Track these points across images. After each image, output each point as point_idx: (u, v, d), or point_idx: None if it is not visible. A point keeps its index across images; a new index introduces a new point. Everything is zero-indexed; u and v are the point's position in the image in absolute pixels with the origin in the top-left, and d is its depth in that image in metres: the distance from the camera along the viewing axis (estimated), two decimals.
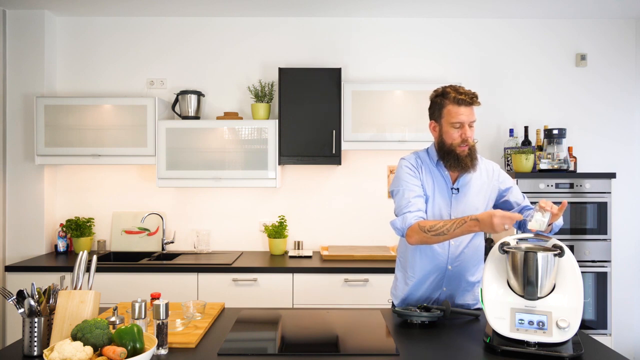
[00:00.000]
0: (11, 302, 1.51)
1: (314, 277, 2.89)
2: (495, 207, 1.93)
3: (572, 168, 3.10)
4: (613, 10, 3.33)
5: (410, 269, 1.92)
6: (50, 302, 1.53)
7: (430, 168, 1.88)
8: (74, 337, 1.33)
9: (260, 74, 3.48)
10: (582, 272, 1.61)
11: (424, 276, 1.90)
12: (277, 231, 3.27)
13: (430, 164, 1.88)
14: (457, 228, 1.67)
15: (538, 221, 1.59)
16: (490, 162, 1.97)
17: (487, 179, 1.90)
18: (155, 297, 1.78)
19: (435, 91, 1.87)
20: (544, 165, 3.00)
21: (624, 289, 3.42)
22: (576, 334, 1.49)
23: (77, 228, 3.31)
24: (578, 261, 1.57)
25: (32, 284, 1.53)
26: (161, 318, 1.44)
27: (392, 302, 2.05)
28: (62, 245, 3.31)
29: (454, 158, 1.80)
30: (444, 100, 1.80)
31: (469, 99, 1.76)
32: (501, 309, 1.51)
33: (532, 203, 1.79)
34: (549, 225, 1.62)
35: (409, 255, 1.93)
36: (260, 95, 3.32)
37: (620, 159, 3.47)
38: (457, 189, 1.86)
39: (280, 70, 3.16)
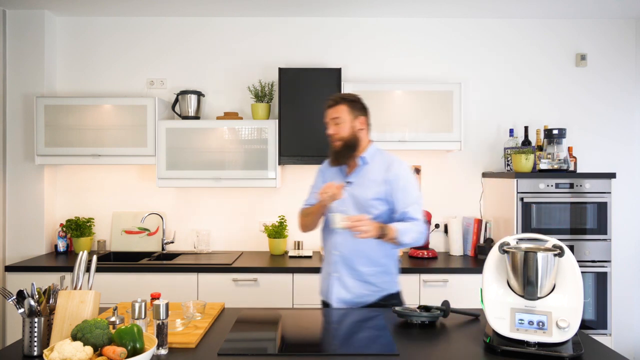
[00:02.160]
0: (11, 302, 1.51)
1: (314, 277, 2.88)
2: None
3: (572, 168, 3.10)
4: (613, 10, 3.33)
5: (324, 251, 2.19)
6: (50, 302, 1.53)
7: (330, 167, 2.16)
8: (74, 337, 1.33)
9: (260, 74, 3.48)
10: (582, 272, 1.61)
11: (326, 258, 2.15)
12: (277, 231, 3.27)
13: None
14: (314, 206, 2.07)
15: (335, 218, 1.84)
16: (399, 164, 2.06)
17: (383, 175, 2.03)
18: (155, 297, 1.78)
19: None
20: (544, 165, 3.00)
21: (624, 289, 3.42)
22: (576, 334, 1.49)
23: (77, 228, 3.31)
24: (578, 261, 1.57)
25: (32, 284, 1.53)
26: (161, 318, 1.44)
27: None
28: (62, 245, 3.31)
29: (330, 153, 2.12)
30: None
31: (329, 102, 2.10)
32: (501, 309, 1.51)
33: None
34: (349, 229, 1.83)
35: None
36: (260, 95, 3.32)
37: (620, 159, 3.47)
38: (349, 182, 2.07)
39: (280, 70, 3.16)
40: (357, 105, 2.11)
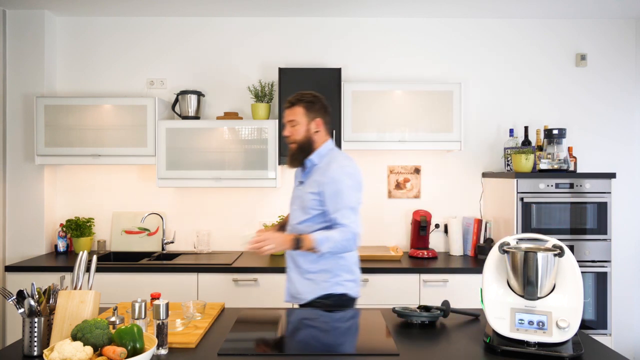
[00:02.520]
0: (11, 302, 1.51)
1: None
2: None
3: (572, 168, 3.10)
4: (613, 10, 3.33)
5: None
6: (50, 302, 1.53)
7: None
8: (74, 337, 1.33)
9: (260, 74, 3.48)
10: (582, 272, 1.61)
11: None
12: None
13: None
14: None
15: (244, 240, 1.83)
16: (335, 164, 2.01)
17: (320, 178, 2.01)
18: (155, 297, 1.78)
19: None
20: (544, 165, 3.00)
21: (624, 289, 3.42)
22: (576, 334, 1.49)
23: (77, 228, 3.31)
24: (578, 261, 1.57)
25: (32, 284, 1.53)
26: (161, 318, 1.44)
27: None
28: (62, 245, 3.31)
29: (288, 153, 2.14)
30: None
31: (286, 103, 2.09)
32: (501, 309, 1.51)
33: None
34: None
35: None
36: (260, 95, 3.32)
37: (620, 159, 3.47)
38: (301, 182, 2.13)
39: (280, 70, 3.16)
40: (314, 106, 2.07)
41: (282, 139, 3.14)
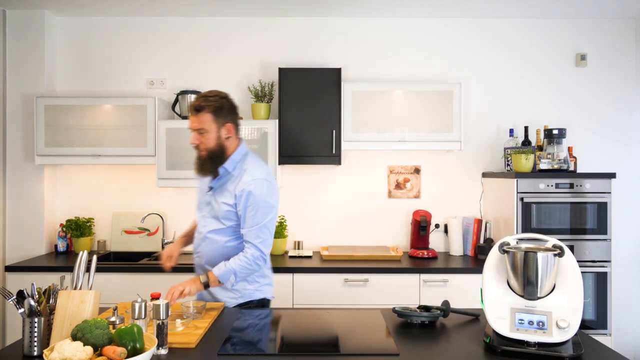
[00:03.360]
0: (11, 302, 1.51)
1: (314, 277, 2.89)
2: None
3: (572, 168, 3.10)
4: (613, 10, 3.33)
5: None
6: (50, 302, 1.53)
7: None
8: (74, 337, 1.33)
9: (260, 74, 3.48)
10: (582, 272, 1.61)
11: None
12: (277, 231, 3.27)
13: None
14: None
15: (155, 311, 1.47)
16: (252, 181, 1.93)
17: (234, 190, 1.95)
18: (155, 297, 1.78)
19: None
20: (544, 165, 3.00)
21: (624, 289, 3.42)
22: (576, 334, 1.49)
23: (77, 228, 3.31)
24: (578, 261, 1.57)
25: (32, 284, 1.53)
26: (161, 318, 1.44)
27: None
28: (62, 245, 3.31)
29: (195, 159, 2.01)
30: None
31: (192, 107, 1.92)
32: (501, 309, 1.51)
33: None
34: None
35: None
36: (260, 95, 3.32)
37: (620, 159, 3.47)
38: (211, 187, 2.05)
39: (280, 70, 3.16)
40: (223, 111, 1.94)
41: (282, 139, 3.14)
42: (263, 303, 2.10)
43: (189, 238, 2.24)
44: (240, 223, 1.97)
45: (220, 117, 1.95)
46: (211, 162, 1.97)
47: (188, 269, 2.88)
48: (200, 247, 2.09)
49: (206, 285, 1.93)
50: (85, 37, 3.49)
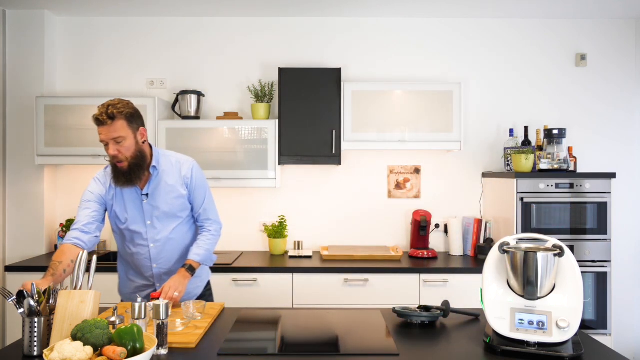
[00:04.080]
0: (11, 302, 1.51)
1: (314, 277, 2.89)
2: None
3: (572, 168, 3.10)
4: (613, 10, 3.33)
5: (127, 264, 2.13)
6: (50, 302, 1.53)
7: None
8: (74, 337, 1.33)
9: (260, 74, 3.48)
10: (582, 272, 1.61)
11: (134, 274, 2.11)
12: (277, 231, 3.27)
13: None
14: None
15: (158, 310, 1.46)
16: (188, 163, 2.06)
17: (179, 179, 2.02)
18: (155, 297, 1.78)
19: None
20: (544, 165, 3.00)
21: (624, 289, 3.42)
22: (576, 334, 1.49)
23: None
24: (578, 261, 1.57)
25: (32, 284, 1.53)
26: (161, 318, 1.44)
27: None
28: None
29: (114, 172, 1.91)
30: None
31: (101, 118, 1.81)
32: (501, 309, 1.51)
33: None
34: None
35: (123, 252, 2.13)
36: (260, 95, 3.32)
37: (620, 159, 3.47)
38: (147, 194, 1.97)
39: (280, 70, 3.16)
40: (135, 115, 1.91)
41: (282, 138, 3.14)
42: (203, 297, 2.20)
43: (59, 276, 1.76)
44: (194, 206, 2.07)
45: (134, 122, 1.91)
46: (137, 169, 1.91)
47: None
48: (161, 255, 2.03)
49: (192, 275, 1.98)
50: (85, 37, 3.50)
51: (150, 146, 2.04)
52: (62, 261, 1.78)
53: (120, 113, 1.84)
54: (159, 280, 2.08)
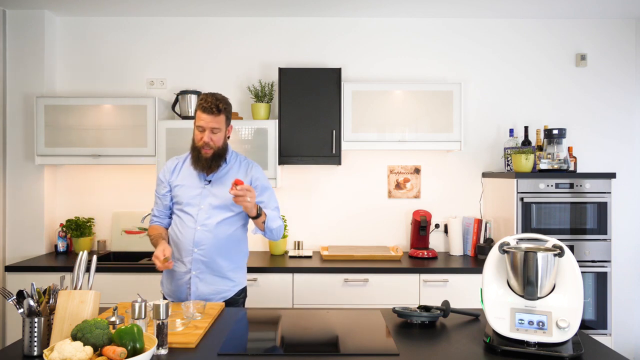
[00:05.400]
0: (11, 302, 1.51)
1: (314, 277, 2.89)
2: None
3: (572, 168, 3.10)
4: (613, 10, 3.33)
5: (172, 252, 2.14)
6: (50, 302, 1.53)
7: (187, 165, 2.15)
8: (74, 337, 1.33)
9: (260, 74, 3.48)
10: (582, 272, 1.61)
11: (175, 262, 2.11)
12: None
13: (187, 161, 2.16)
14: (154, 243, 2.07)
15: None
16: (255, 166, 2.24)
17: (244, 177, 2.16)
18: (237, 183, 1.89)
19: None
20: (544, 165, 3.00)
21: (624, 289, 3.42)
22: (576, 334, 1.49)
23: (77, 228, 3.31)
24: (578, 261, 1.57)
25: (32, 284, 1.53)
26: (161, 318, 1.44)
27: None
28: (62, 245, 3.31)
29: (195, 157, 2.09)
30: (197, 105, 2.06)
31: (210, 108, 2.01)
32: (501, 309, 1.51)
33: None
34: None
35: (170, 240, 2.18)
36: (260, 95, 3.32)
37: (620, 159, 3.47)
38: (210, 181, 2.12)
39: (280, 70, 3.16)
40: (230, 113, 2.12)
41: (282, 138, 3.14)
42: (246, 290, 2.26)
43: (166, 239, 2.17)
44: (261, 203, 2.14)
45: (229, 119, 2.13)
46: (218, 159, 2.10)
47: None
48: (204, 241, 2.07)
49: (257, 214, 2.01)
50: (85, 37, 3.50)
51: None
52: (160, 232, 2.12)
53: (225, 109, 2.05)
54: (196, 268, 2.09)
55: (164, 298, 2.17)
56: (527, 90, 3.49)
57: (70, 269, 2.86)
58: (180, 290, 2.12)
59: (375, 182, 3.50)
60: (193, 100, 3.28)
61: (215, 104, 2.01)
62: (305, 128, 3.15)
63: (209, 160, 2.07)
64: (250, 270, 2.89)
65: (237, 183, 1.88)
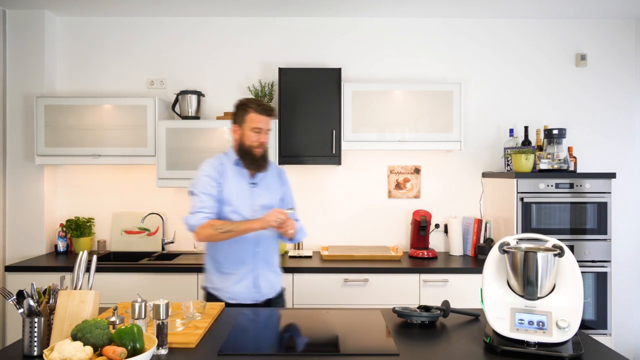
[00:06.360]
0: (11, 302, 1.51)
1: (314, 277, 2.89)
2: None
3: (572, 168, 3.10)
4: (613, 10, 3.33)
5: (222, 257, 2.15)
6: (50, 302, 1.53)
7: (230, 167, 2.18)
8: (74, 337, 1.33)
9: (260, 74, 3.48)
10: (582, 272, 1.61)
11: (231, 265, 2.14)
12: None
13: (229, 164, 2.18)
14: (241, 225, 2.01)
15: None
16: (283, 170, 2.36)
17: (278, 180, 2.29)
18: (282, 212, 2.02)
19: (239, 101, 2.21)
20: (544, 165, 3.00)
21: (624, 289, 3.42)
22: (576, 334, 1.49)
23: (77, 228, 3.31)
24: (578, 261, 1.57)
25: (32, 284, 1.53)
26: (161, 318, 1.44)
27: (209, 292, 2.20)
28: (62, 245, 3.31)
29: (250, 157, 2.15)
30: (247, 109, 2.15)
31: (267, 110, 2.15)
32: (501, 309, 1.51)
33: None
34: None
35: (219, 245, 2.14)
36: (260, 95, 3.32)
37: (620, 159, 3.47)
38: (255, 183, 2.19)
39: (280, 70, 3.16)
40: None
41: (282, 139, 3.14)
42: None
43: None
44: (288, 203, 2.30)
45: None
46: (265, 157, 2.22)
47: (188, 268, 2.88)
48: (263, 239, 2.16)
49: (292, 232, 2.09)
50: (85, 37, 3.50)
51: None
52: (222, 222, 2.05)
53: (275, 114, 2.23)
54: (259, 266, 2.15)
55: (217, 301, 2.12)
56: (527, 90, 3.49)
57: (70, 269, 2.86)
58: (247, 290, 2.13)
59: (375, 182, 3.50)
60: (193, 100, 3.29)
61: (269, 107, 2.17)
62: (305, 128, 3.15)
63: (260, 159, 2.17)
64: None
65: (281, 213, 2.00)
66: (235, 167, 2.17)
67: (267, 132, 2.19)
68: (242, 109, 2.17)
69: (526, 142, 3.29)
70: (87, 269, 1.63)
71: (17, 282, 2.90)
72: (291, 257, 3.17)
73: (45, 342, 1.46)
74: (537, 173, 2.96)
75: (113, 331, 1.36)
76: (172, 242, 3.39)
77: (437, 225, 3.47)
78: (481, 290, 1.57)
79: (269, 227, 2.00)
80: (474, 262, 3.09)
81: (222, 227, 2.00)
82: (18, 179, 3.29)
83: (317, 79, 3.15)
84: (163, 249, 3.36)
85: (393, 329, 1.71)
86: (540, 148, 3.20)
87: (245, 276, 2.13)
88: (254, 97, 3.34)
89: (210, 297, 2.16)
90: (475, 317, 1.81)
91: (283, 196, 2.30)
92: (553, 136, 3.00)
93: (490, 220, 3.29)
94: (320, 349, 1.54)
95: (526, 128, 3.32)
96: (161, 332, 1.45)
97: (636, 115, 3.49)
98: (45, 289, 1.55)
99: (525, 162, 3.01)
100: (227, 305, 2.06)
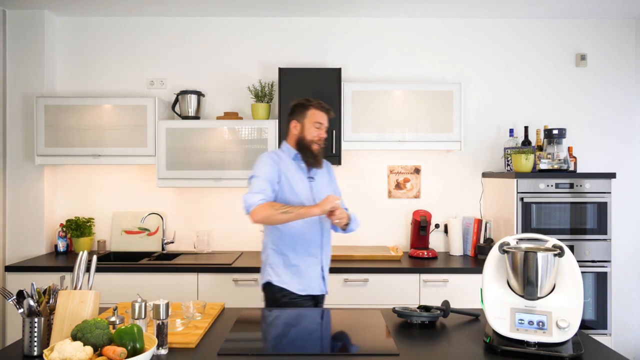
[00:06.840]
0: (11, 302, 1.51)
1: None
2: None
3: (572, 168, 3.10)
4: (613, 10, 3.33)
5: (290, 251, 2.20)
6: (50, 302, 1.53)
7: (288, 161, 2.24)
8: (74, 337, 1.33)
9: (260, 74, 3.48)
10: (582, 272, 1.61)
11: (298, 255, 2.19)
12: None
13: (287, 158, 2.24)
14: (299, 209, 2.05)
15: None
16: (330, 164, 2.45)
17: (327, 175, 2.38)
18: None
19: (298, 100, 2.30)
20: (544, 165, 3.00)
21: (624, 289, 3.42)
22: (576, 334, 1.49)
23: (77, 228, 3.31)
24: (578, 261, 1.57)
25: (32, 284, 1.53)
26: (161, 318, 1.44)
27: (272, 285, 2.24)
28: (62, 245, 3.31)
29: (311, 152, 2.23)
30: (308, 105, 2.24)
31: (326, 108, 2.26)
32: (501, 309, 1.51)
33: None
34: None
35: (287, 234, 2.20)
36: (260, 95, 3.32)
37: (620, 159, 3.47)
38: (312, 177, 2.28)
39: (280, 70, 3.16)
40: None
41: (282, 138, 3.14)
42: None
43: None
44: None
45: None
46: (322, 153, 2.30)
47: (188, 268, 2.88)
48: (327, 231, 2.28)
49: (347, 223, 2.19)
50: (85, 37, 3.50)
51: None
52: (282, 204, 2.09)
53: (333, 114, 2.32)
54: (325, 257, 2.27)
55: (290, 295, 2.19)
56: (527, 90, 3.49)
57: (70, 269, 2.86)
58: (316, 282, 2.23)
59: (375, 182, 3.50)
60: (193, 100, 3.29)
61: (328, 106, 2.28)
62: None
63: (318, 155, 2.25)
64: (251, 270, 2.89)
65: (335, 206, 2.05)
66: (294, 162, 2.24)
67: (326, 129, 2.27)
68: (302, 105, 2.26)
69: (526, 142, 3.29)
70: (87, 269, 1.63)
71: (17, 282, 2.90)
72: None
73: (45, 342, 1.46)
74: (537, 173, 2.96)
75: (113, 331, 1.36)
76: (172, 242, 3.39)
77: (437, 225, 3.47)
78: (481, 290, 1.57)
79: (325, 212, 2.05)
80: (474, 262, 3.09)
81: (281, 208, 2.04)
82: (18, 179, 3.29)
83: (317, 79, 3.15)
84: (163, 249, 3.36)
85: (393, 329, 1.71)
86: (540, 148, 3.20)
87: (314, 267, 2.23)
88: (254, 96, 3.34)
89: (278, 291, 2.19)
90: (475, 317, 1.81)
91: (333, 190, 2.39)
92: (553, 136, 3.00)
93: (490, 220, 3.29)
94: (320, 349, 1.54)
95: (526, 128, 3.32)
96: (161, 332, 1.45)
97: (636, 115, 3.49)
98: (45, 289, 1.56)
99: (525, 162, 3.01)
100: (297, 297, 2.16)
